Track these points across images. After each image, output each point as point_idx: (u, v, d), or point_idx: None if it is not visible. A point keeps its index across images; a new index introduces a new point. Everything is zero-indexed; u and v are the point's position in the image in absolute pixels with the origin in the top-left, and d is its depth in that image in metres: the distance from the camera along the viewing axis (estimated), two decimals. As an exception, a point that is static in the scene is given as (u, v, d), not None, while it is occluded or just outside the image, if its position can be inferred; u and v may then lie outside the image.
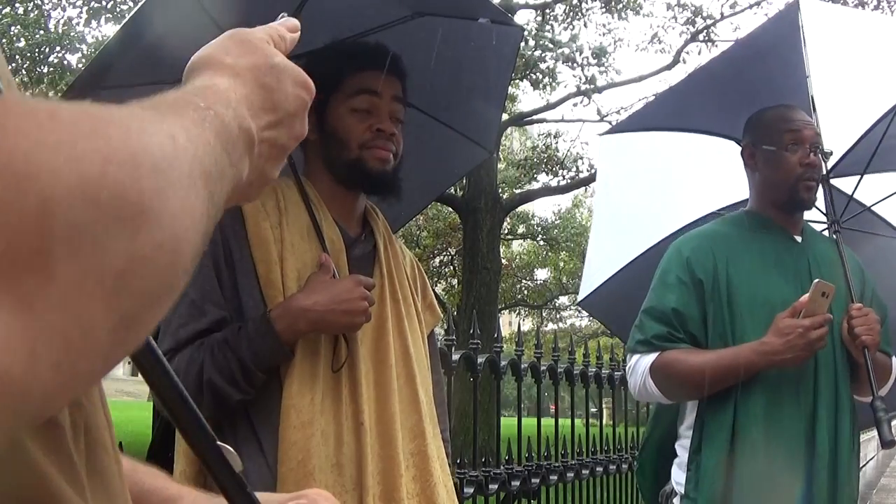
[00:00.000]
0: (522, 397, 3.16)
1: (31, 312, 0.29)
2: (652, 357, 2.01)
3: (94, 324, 0.32)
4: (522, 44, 2.27)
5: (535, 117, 14.47)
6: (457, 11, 1.86)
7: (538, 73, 12.69)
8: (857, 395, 2.04)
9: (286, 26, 0.67)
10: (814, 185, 2.06)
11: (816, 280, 1.88)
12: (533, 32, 12.13)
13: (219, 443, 0.57)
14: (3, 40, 9.96)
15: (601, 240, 3.05)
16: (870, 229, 2.62)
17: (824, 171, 2.14)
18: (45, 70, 10.60)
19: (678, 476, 2.05)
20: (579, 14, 13.55)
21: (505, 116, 11.85)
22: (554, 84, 13.29)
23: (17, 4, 10.60)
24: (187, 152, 0.42)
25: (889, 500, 9.84)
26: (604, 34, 19.73)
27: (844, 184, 2.49)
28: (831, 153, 2.11)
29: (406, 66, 1.64)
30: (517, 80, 12.44)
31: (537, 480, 3.06)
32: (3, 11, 10.41)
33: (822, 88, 2.28)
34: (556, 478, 3.21)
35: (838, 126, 2.29)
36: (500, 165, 14.95)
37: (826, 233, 2.30)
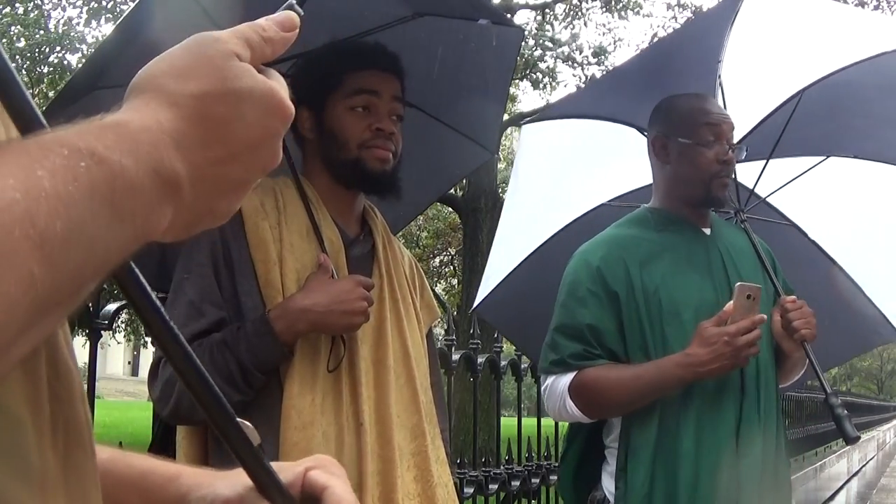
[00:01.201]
0: (522, 397, 3.16)
1: None
2: (569, 377, 1.89)
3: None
4: (522, 43, 2.26)
5: (535, 117, 14.45)
6: (457, 12, 1.86)
7: (538, 73, 12.70)
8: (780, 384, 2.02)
9: (278, 22, 0.57)
10: (728, 181, 1.96)
11: (739, 283, 1.78)
12: (533, 32, 12.14)
13: (238, 419, 0.58)
14: (4, 40, 9.96)
15: (500, 239, 2.84)
16: (765, 217, 2.54)
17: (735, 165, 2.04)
18: (45, 70, 10.62)
19: (610, 485, 1.93)
20: (579, 13, 13.56)
21: (505, 116, 11.84)
22: (554, 84, 13.30)
23: (17, 4, 10.60)
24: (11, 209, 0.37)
25: (889, 500, 9.85)
26: (604, 34, 19.73)
27: (741, 171, 2.33)
28: (745, 149, 1.99)
29: (406, 66, 1.64)
30: (517, 80, 12.45)
31: (537, 480, 3.06)
32: (3, 11, 10.41)
33: (731, 73, 2.18)
34: (556, 478, 3.21)
35: (742, 110, 2.19)
36: (500, 165, 14.94)
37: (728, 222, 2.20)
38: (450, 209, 13.53)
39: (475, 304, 2.76)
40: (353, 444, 1.44)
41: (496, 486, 2.75)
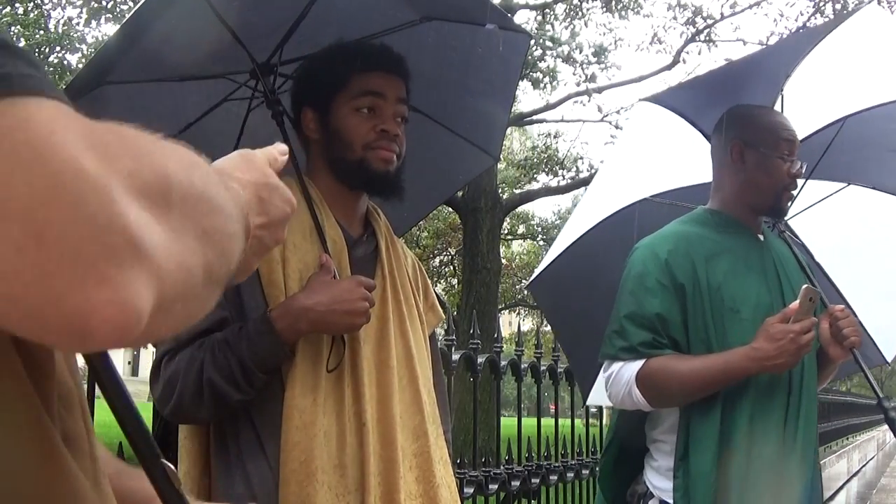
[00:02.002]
0: (522, 397, 3.16)
1: (172, 232, 0.46)
2: (637, 365, 1.95)
3: (196, 252, 0.49)
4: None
5: (535, 117, 14.47)
6: (464, 17, 1.86)
7: (538, 73, 12.70)
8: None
9: (278, 150, 0.82)
10: (792, 195, 2.08)
11: (805, 286, 1.89)
12: (533, 32, 12.13)
13: (162, 460, 0.61)
14: (3, 40, 9.93)
15: (569, 220, 2.93)
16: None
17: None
18: (46, 70, 10.60)
19: (656, 480, 2.01)
20: (579, 13, 13.56)
21: (505, 116, 11.82)
22: (554, 84, 13.30)
23: (17, 4, 10.60)
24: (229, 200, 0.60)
25: (889, 500, 9.85)
26: (604, 34, 19.73)
27: None
28: (805, 166, 2.10)
29: (412, 70, 1.65)
30: (518, 81, 12.44)
31: (537, 480, 3.06)
32: (3, 11, 10.41)
33: (794, 86, 2.27)
34: (556, 478, 3.21)
35: (794, 124, 2.26)
36: (500, 165, 14.94)
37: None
38: (450, 209, 13.53)
39: (529, 281, 2.93)
40: (355, 444, 1.44)
41: (496, 486, 2.74)
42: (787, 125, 2.08)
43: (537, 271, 2.89)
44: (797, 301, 1.87)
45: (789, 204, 2.10)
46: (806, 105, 2.36)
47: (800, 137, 2.27)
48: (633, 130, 2.80)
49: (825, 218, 2.63)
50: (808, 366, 2.01)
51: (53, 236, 0.39)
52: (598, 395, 2.56)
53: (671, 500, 1.94)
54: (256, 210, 0.71)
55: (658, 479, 2.00)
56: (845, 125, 2.31)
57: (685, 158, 2.42)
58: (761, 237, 2.11)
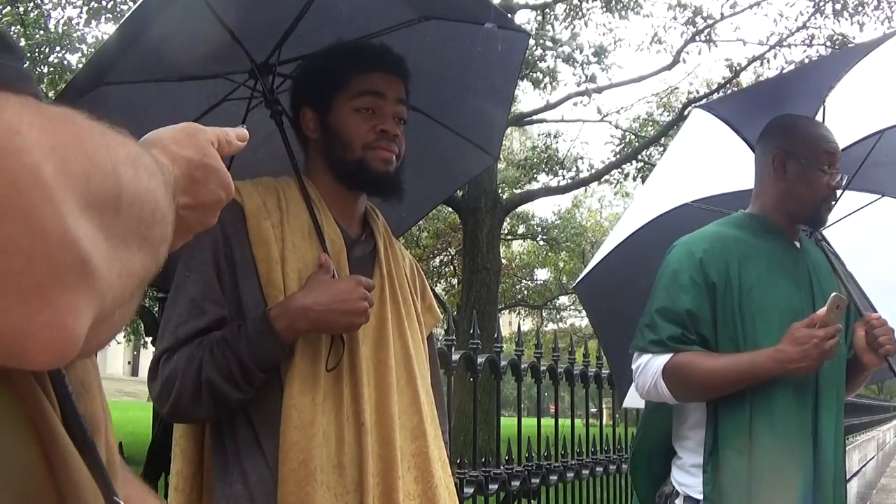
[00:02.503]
0: (522, 397, 3.16)
1: (118, 243, 0.45)
2: (665, 358, 2.01)
3: (136, 259, 0.47)
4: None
5: (535, 117, 14.47)
6: (463, 16, 1.86)
7: (538, 73, 12.70)
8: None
9: (237, 134, 0.80)
10: (832, 206, 2.12)
11: (834, 294, 1.93)
12: (533, 32, 12.13)
13: (116, 498, 0.59)
14: (3, 40, 9.93)
15: (622, 220, 3.00)
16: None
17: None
18: (45, 70, 10.60)
19: (682, 477, 2.06)
20: (579, 13, 13.56)
21: (505, 116, 11.84)
22: (554, 84, 13.30)
23: (17, 4, 10.60)
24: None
25: (889, 501, 9.84)
26: (604, 34, 19.73)
27: None
28: (845, 177, 2.14)
29: (412, 69, 1.65)
30: (517, 80, 12.44)
31: (537, 480, 3.06)
32: (4, 11, 10.41)
33: (837, 98, 2.31)
34: (556, 478, 3.20)
35: (835, 134, 2.32)
36: (500, 165, 14.95)
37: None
38: (450, 209, 13.54)
39: (577, 282, 2.97)
40: (354, 444, 1.44)
41: (496, 486, 2.74)
42: (829, 137, 2.12)
43: (585, 272, 2.94)
44: (825, 307, 1.91)
45: (828, 214, 2.14)
46: (846, 117, 2.39)
47: (841, 146, 2.32)
48: (686, 135, 2.87)
49: (857, 227, 2.68)
50: (839, 369, 2.05)
51: (1, 248, 0.38)
52: (635, 398, 2.58)
53: (697, 495, 1.99)
54: (183, 188, 0.69)
55: (683, 476, 2.05)
56: (883, 137, 2.37)
57: (728, 165, 2.48)
58: (798, 244, 2.15)
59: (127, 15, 1.47)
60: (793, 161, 2.10)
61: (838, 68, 2.29)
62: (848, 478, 9.55)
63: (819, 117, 2.30)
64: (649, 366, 2.04)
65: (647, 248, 2.45)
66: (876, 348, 2.01)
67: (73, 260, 0.40)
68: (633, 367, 2.12)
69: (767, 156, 2.16)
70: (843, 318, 2.05)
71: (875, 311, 2.65)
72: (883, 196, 2.66)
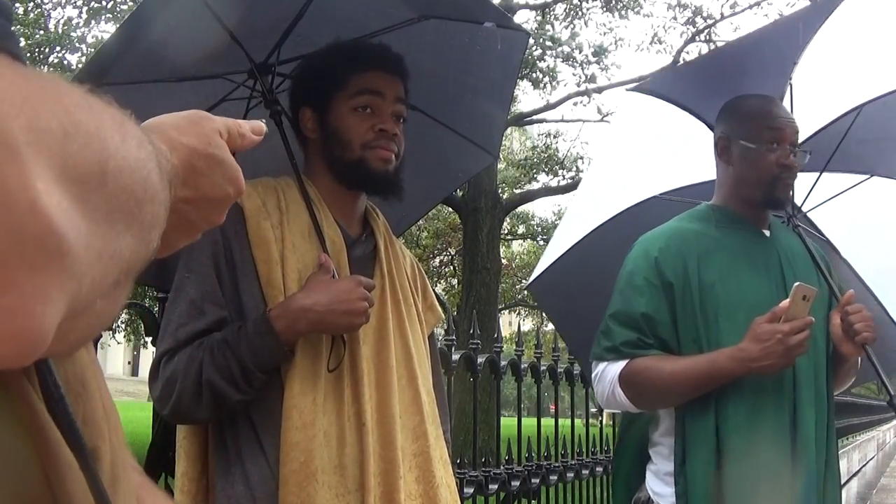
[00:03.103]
0: (522, 397, 3.16)
1: (100, 219, 0.39)
2: (621, 365, 1.91)
3: (120, 242, 0.41)
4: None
5: (535, 117, 14.47)
6: (463, 15, 1.86)
7: (538, 73, 12.70)
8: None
9: (252, 127, 0.73)
10: (790, 185, 1.98)
11: (797, 283, 1.79)
12: (533, 31, 12.13)
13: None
14: (3, 40, 9.94)
15: (567, 217, 2.85)
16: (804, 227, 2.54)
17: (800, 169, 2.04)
18: (45, 70, 10.60)
19: (656, 485, 1.95)
20: (579, 13, 13.56)
21: (505, 116, 11.86)
22: (554, 83, 13.30)
23: (17, 4, 10.59)
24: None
25: (889, 500, 9.84)
26: (604, 33, 19.73)
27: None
28: (810, 152, 2.00)
29: (411, 69, 1.64)
30: (517, 80, 12.44)
31: (537, 480, 3.06)
32: (3, 11, 10.40)
33: (803, 76, 2.18)
34: (556, 478, 3.20)
35: (808, 115, 2.18)
36: (500, 165, 14.94)
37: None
38: (450, 209, 13.53)
39: (529, 281, 2.84)
40: (355, 444, 1.44)
41: (496, 486, 2.74)
42: (775, 112, 1.97)
43: (537, 272, 2.83)
44: (787, 299, 1.78)
45: (790, 193, 2.00)
46: (819, 94, 2.28)
47: (814, 128, 2.21)
48: (627, 123, 2.70)
49: (850, 210, 2.55)
50: (818, 364, 1.92)
51: None
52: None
53: None
54: (184, 179, 0.62)
55: (657, 484, 1.95)
56: (862, 113, 2.22)
57: (697, 153, 2.33)
58: (767, 232, 2.03)
59: (128, 15, 1.47)
60: (735, 144, 1.98)
61: (795, 40, 2.12)
62: (848, 478, 9.55)
63: (787, 97, 2.18)
64: (605, 374, 1.94)
65: (613, 245, 2.29)
66: (852, 336, 1.86)
67: (42, 234, 0.34)
68: (592, 375, 2.02)
69: (714, 142, 2.06)
70: (823, 308, 1.94)
71: (873, 296, 2.51)
72: (871, 176, 2.53)
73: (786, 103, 2.14)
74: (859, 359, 2.00)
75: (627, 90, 2.51)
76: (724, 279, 1.91)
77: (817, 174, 2.31)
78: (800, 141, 2.18)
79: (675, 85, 2.44)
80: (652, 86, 2.54)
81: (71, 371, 0.51)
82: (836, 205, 2.51)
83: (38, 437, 0.46)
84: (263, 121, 0.80)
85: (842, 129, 2.27)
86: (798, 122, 2.03)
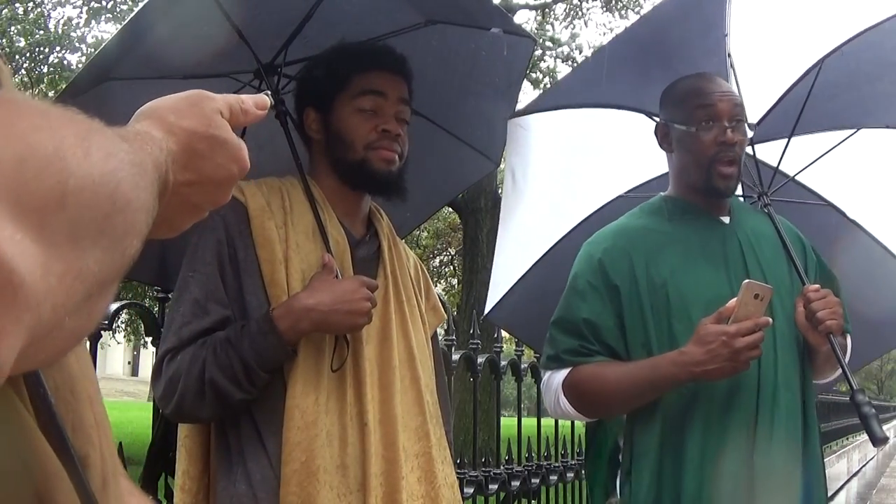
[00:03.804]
0: (522, 397, 3.16)
1: (62, 242, 0.38)
2: (564, 373, 1.80)
3: (88, 258, 0.40)
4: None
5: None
6: (469, 21, 1.86)
7: (538, 73, 12.71)
8: (814, 380, 1.85)
9: (255, 102, 0.71)
10: (731, 167, 1.79)
11: (747, 280, 1.62)
12: (533, 32, 12.14)
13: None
14: (3, 40, 9.96)
15: (505, 244, 2.65)
16: (797, 199, 2.37)
17: (748, 145, 1.89)
18: (45, 70, 10.61)
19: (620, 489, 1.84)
20: (579, 13, 13.57)
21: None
22: (554, 84, 13.31)
23: (17, 4, 10.60)
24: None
25: (889, 501, 9.84)
26: (604, 34, 19.73)
27: (765, 151, 2.21)
28: (756, 125, 1.88)
29: (416, 73, 1.65)
30: (521, 86, 12.47)
31: (537, 480, 3.06)
32: (3, 11, 10.41)
33: (740, 46, 2.03)
34: (556, 478, 3.20)
35: (759, 86, 2.06)
36: (501, 165, 14.95)
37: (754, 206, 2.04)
38: (450, 209, 13.54)
39: (486, 311, 2.65)
40: (357, 444, 1.44)
41: (496, 486, 2.74)
42: (706, 89, 1.82)
43: (493, 300, 2.62)
44: (734, 299, 1.62)
45: (735, 172, 1.80)
46: (765, 62, 2.15)
47: (775, 97, 2.06)
48: (547, 138, 2.52)
49: (852, 169, 2.40)
50: (786, 365, 1.75)
51: None
52: None
53: None
54: (184, 163, 0.61)
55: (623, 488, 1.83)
56: (823, 68, 2.05)
57: (652, 146, 2.16)
58: (726, 219, 1.87)
59: (136, 10, 1.47)
60: (672, 129, 1.84)
61: (713, 6, 1.96)
62: (848, 478, 9.53)
63: (730, 72, 2.01)
64: (550, 383, 1.84)
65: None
66: (815, 325, 1.68)
67: None
68: (542, 385, 1.91)
69: (654, 131, 1.92)
70: (787, 293, 1.78)
71: (891, 255, 2.34)
72: (859, 129, 2.35)
73: (731, 81, 2.00)
74: (847, 343, 1.85)
75: (514, 116, 2.31)
76: (675, 276, 1.77)
77: (786, 140, 2.17)
78: (762, 114, 2.05)
79: (586, 89, 2.32)
80: (555, 100, 2.43)
81: (60, 379, 0.50)
82: (834, 165, 2.35)
83: (26, 444, 0.46)
84: (267, 93, 0.79)
85: (804, 90, 2.10)
86: (752, 97, 1.90)
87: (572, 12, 13.57)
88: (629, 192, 2.42)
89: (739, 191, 2.18)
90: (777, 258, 1.84)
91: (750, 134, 1.90)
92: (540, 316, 2.56)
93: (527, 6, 12.96)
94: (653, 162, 2.26)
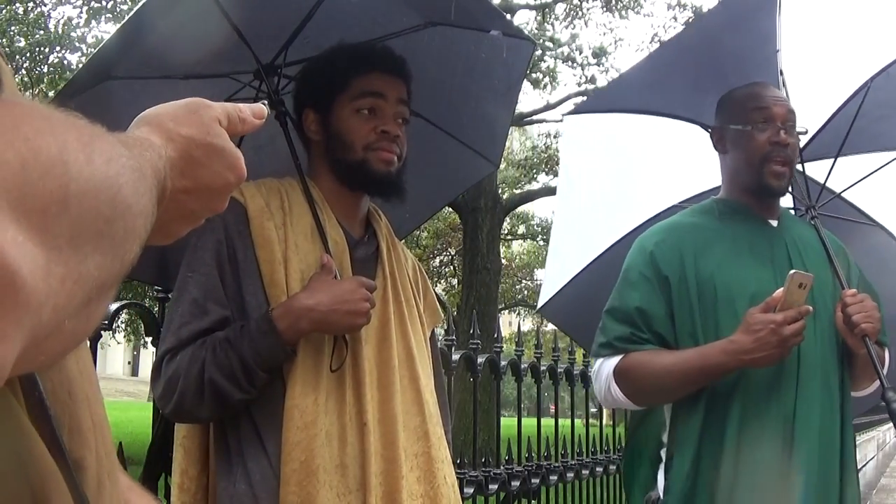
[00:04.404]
0: (522, 397, 3.16)
1: (63, 245, 0.38)
2: (615, 360, 1.87)
3: (88, 262, 0.41)
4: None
5: (535, 117, 14.48)
6: (469, 23, 1.86)
7: (538, 73, 12.71)
8: (852, 391, 1.91)
9: (253, 111, 0.72)
10: (784, 167, 1.88)
11: (793, 271, 1.70)
12: (533, 32, 12.14)
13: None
14: (3, 40, 9.96)
15: (561, 240, 2.77)
16: (843, 216, 2.44)
17: (799, 151, 1.97)
18: (45, 70, 10.61)
19: (662, 483, 1.89)
20: (579, 13, 13.56)
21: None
22: (554, 84, 13.31)
23: (17, 4, 10.60)
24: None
25: (889, 501, 9.83)
26: (604, 34, 19.75)
27: (814, 169, 2.29)
28: (805, 131, 1.95)
29: (416, 75, 1.65)
30: (521, 88, 12.48)
31: (537, 480, 3.06)
32: (3, 11, 10.41)
33: (792, 64, 2.12)
34: (556, 478, 3.20)
35: (809, 105, 2.12)
36: (501, 165, 14.95)
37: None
38: (450, 209, 13.54)
39: (539, 305, 2.74)
40: (357, 444, 1.44)
41: (496, 486, 2.74)
42: (762, 94, 1.92)
43: (547, 295, 2.72)
44: (782, 288, 1.69)
45: (786, 177, 1.88)
46: (816, 80, 2.22)
47: (825, 116, 2.13)
48: (605, 141, 2.62)
49: None
50: (826, 357, 1.82)
51: None
52: None
53: None
54: (182, 170, 0.62)
55: (662, 482, 1.90)
56: (871, 89, 2.14)
57: (709, 158, 2.27)
58: (774, 223, 1.96)
59: (136, 9, 1.47)
60: (727, 131, 1.94)
61: (765, 21, 2.03)
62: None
63: (781, 88, 2.09)
64: (601, 370, 1.90)
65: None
66: (851, 328, 1.76)
67: None
68: (591, 373, 1.98)
69: (710, 136, 2.01)
70: (830, 299, 1.86)
71: None
72: None
73: (784, 96, 2.07)
74: (885, 354, 1.92)
75: (569, 114, 2.42)
76: (722, 270, 1.85)
77: (832, 160, 2.23)
78: (812, 133, 2.13)
79: (641, 95, 2.37)
80: (610, 103, 2.48)
81: (58, 380, 0.50)
82: (883, 186, 2.40)
83: (23, 446, 0.46)
84: (264, 102, 0.79)
85: (852, 110, 2.18)
86: (802, 114, 1.97)
87: (572, 12, 13.57)
88: (683, 201, 2.48)
89: (790, 202, 2.28)
90: (821, 266, 1.90)
91: (802, 141, 1.98)
92: (591, 316, 2.65)
93: (527, 6, 12.95)
94: (708, 174, 2.34)
